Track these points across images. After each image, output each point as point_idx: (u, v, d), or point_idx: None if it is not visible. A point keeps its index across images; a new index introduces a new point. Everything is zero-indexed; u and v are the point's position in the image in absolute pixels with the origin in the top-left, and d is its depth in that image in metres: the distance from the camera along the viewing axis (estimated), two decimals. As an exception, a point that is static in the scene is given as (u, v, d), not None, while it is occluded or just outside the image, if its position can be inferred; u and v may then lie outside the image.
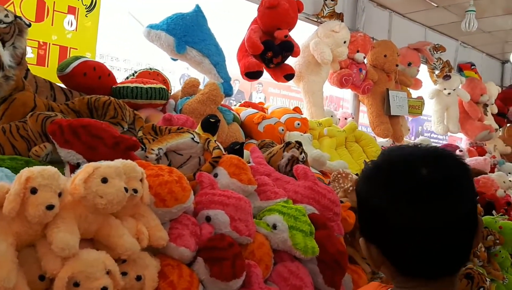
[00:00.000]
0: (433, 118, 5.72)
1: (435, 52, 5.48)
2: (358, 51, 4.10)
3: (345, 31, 3.80)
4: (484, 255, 2.39)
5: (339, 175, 2.34)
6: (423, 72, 5.64)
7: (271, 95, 11.76)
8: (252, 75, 3.30)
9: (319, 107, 3.79)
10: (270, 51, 3.31)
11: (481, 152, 5.75)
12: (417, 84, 4.92)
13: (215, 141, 2.18)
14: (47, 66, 2.61)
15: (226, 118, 2.76)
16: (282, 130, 3.05)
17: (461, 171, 0.77)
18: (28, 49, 2.37)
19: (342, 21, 4.27)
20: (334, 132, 3.32)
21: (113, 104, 2.11)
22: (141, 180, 1.32)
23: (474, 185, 0.78)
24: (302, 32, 4.11)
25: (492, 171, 5.31)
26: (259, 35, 3.31)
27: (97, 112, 2.07)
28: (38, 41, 2.58)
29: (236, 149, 2.25)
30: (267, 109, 3.50)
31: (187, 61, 2.99)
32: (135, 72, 2.84)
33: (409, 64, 4.66)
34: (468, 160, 4.76)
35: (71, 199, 1.16)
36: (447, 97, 5.55)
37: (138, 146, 1.60)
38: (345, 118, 4.40)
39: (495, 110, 6.46)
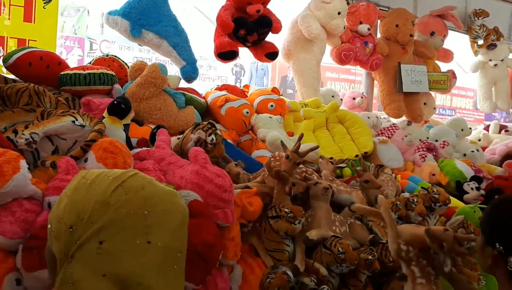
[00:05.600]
0: (478, 94, 5.01)
1: (476, 19, 4.75)
2: (361, 23, 3.70)
3: (338, 1, 3.43)
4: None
5: (272, 158, 2.11)
6: (465, 42, 4.96)
7: (328, 79, 11.20)
8: (224, 55, 3.13)
9: (310, 87, 3.49)
10: (242, 28, 3.11)
11: (541, 132, 4.90)
12: (447, 56, 4.31)
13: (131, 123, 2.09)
14: (5, 59, 2.71)
15: (177, 101, 2.64)
16: (247, 112, 2.84)
17: None
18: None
19: (345, -9, 3.87)
20: (311, 113, 3.02)
21: (28, 91, 2.10)
22: None
23: None
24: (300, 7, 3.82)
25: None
26: (230, 13, 3.11)
27: (9, 99, 2.08)
28: (-5, 35, 2.69)
29: (154, 132, 2.14)
30: (247, 92, 3.31)
31: (146, 45, 2.92)
32: (92, 60, 2.84)
33: (432, 34, 4.09)
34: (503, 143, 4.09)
35: None
36: (494, 69, 4.82)
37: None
38: (353, 98, 4.03)
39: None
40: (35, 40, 2.79)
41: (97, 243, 0.67)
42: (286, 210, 1.74)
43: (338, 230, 1.87)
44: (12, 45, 2.73)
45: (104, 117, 1.99)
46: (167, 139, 1.95)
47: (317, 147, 1.92)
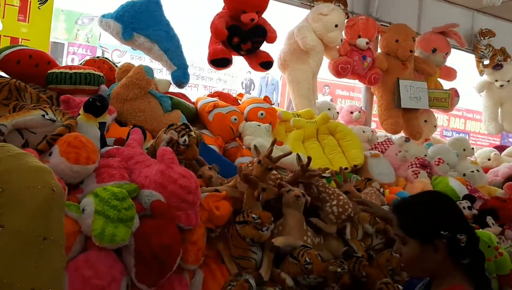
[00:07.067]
0: (484, 116, 4.89)
1: (482, 38, 4.68)
2: (359, 36, 3.66)
3: (335, 13, 3.41)
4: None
5: (249, 164, 2.06)
6: (470, 61, 4.87)
7: (339, 97, 11.20)
8: (217, 62, 3.11)
9: (305, 98, 3.44)
10: (236, 36, 3.09)
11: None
12: (450, 74, 4.23)
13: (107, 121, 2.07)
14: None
15: (163, 104, 2.62)
16: (235, 119, 2.81)
17: None
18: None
19: (345, 5, 3.86)
20: (301, 122, 2.96)
21: (9, 86, 2.10)
22: None
23: None
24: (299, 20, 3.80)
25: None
26: (225, 20, 3.10)
27: (-12, 94, 2.09)
28: (-11, 33, 2.72)
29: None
30: (240, 100, 3.28)
31: (138, 48, 2.92)
32: (84, 60, 2.85)
33: (434, 51, 4.02)
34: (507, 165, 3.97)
35: None
36: (500, 90, 4.70)
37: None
38: (351, 112, 3.96)
39: None
40: (28, 40, 2.82)
41: None
42: (254, 215, 1.68)
43: (310, 241, 1.79)
44: (5, 44, 2.75)
45: (79, 114, 1.97)
46: (139, 138, 1.92)
47: (290, 153, 1.86)
